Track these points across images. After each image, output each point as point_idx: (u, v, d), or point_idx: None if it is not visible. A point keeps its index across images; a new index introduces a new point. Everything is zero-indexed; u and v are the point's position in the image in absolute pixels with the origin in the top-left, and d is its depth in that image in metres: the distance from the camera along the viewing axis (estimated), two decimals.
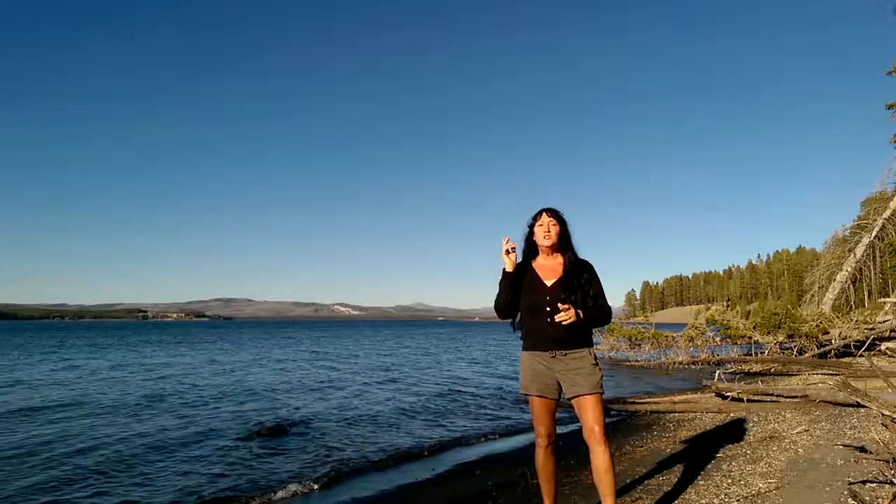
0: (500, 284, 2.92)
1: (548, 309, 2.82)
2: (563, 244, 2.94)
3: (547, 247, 2.91)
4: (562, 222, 2.94)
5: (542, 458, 2.95)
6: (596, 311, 2.86)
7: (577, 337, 2.85)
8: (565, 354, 2.82)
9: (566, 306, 2.71)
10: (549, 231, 2.89)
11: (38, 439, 6.75)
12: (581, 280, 2.86)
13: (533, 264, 2.96)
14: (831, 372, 9.51)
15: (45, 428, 7.47)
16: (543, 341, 2.84)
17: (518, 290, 2.91)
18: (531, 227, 2.98)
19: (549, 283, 2.86)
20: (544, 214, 2.94)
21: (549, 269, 2.92)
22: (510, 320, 3.00)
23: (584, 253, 3.01)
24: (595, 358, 2.88)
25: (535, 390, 2.88)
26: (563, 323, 2.71)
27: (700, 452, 4.74)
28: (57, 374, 14.86)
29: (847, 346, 12.85)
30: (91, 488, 4.89)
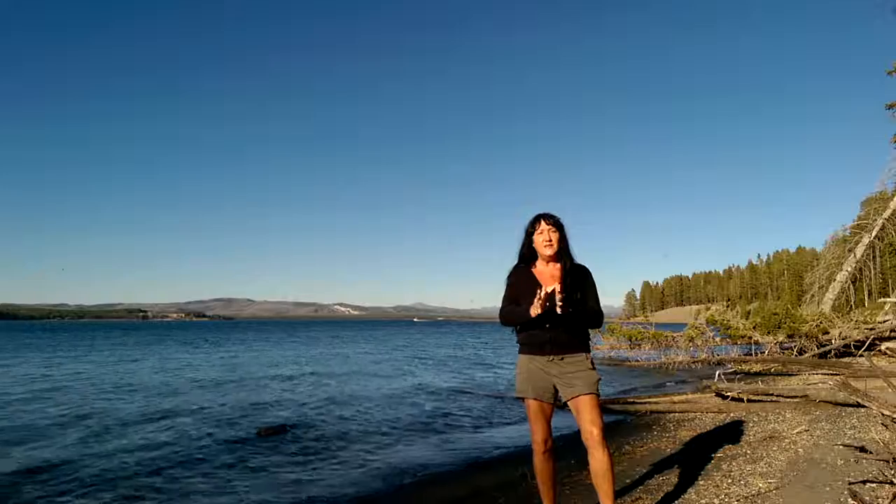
0: (515, 313, 2.88)
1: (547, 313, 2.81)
2: (562, 251, 2.93)
3: (548, 255, 2.91)
4: (560, 228, 2.92)
5: (539, 464, 2.94)
6: (590, 312, 2.87)
7: (574, 341, 2.86)
8: (562, 358, 2.83)
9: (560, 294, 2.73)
10: (550, 240, 2.88)
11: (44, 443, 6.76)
12: (578, 286, 2.86)
13: (533, 270, 2.96)
14: (831, 372, 9.50)
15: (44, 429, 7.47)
16: (541, 345, 2.84)
17: (517, 295, 2.92)
18: (529, 233, 2.96)
19: (549, 289, 2.85)
20: (543, 222, 2.91)
21: (548, 275, 2.92)
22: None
23: (584, 253, 3.01)
24: (592, 363, 2.88)
25: (531, 393, 2.88)
26: (558, 305, 2.71)
27: (700, 452, 4.74)
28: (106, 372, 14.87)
29: (847, 346, 12.84)
30: (87, 489, 4.88)
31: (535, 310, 2.70)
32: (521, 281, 2.94)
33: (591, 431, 2.74)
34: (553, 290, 2.71)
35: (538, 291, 2.71)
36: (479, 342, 35.82)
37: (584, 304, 2.84)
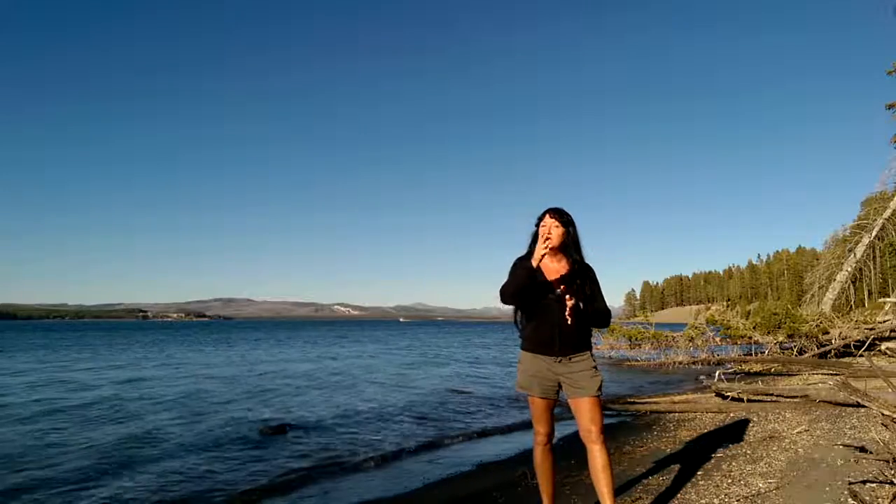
0: (516, 274, 2.79)
1: (556, 312, 2.80)
2: (568, 246, 2.88)
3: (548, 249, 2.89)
4: (566, 224, 2.88)
5: (540, 456, 2.96)
6: (598, 311, 2.87)
7: (580, 341, 2.86)
8: (570, 359, 2.83)
9: (570, 301, 2.73)
10: (550, 233, 2.84)
11: (40, 438, 6.77)
12: (584, 284, 2.84)
13: (541, 265, 2.88)
14: (831, 372, 9.50)
15: (43, 428, 7.47)
16: (549, 345, 2.83)
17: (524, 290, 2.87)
18: (537, 226, 2.93)
19: (559, 292, 2.82)
20: (547, 216, 2.89)
21: (554, 271, 2.88)
22: (515, 321, 2.99)
23: (585, 253, 2.99)
24: (594, 360, 2.90)
25: (537, 391, 2.88)
26: (568, 305, 2.71)
27: (700, 452, 4.74)
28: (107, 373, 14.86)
29: (847, 346, 12.84)
30: (89, 489, 4.88)
31: (535, 261, 2.71)
32: (527, 270, 2.84)
33: (590, 429, 2.77)
34: (566, 298, 2.72)
35: (546, 283, 2.71)
36: (480, 342, 35.83)
37: (593, 303, 2.84)
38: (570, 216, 2.91)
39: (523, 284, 2.77)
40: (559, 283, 2.80)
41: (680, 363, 15.05)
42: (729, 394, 7.25)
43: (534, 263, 2.73)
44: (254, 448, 6.29)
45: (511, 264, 2.95)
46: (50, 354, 23.17)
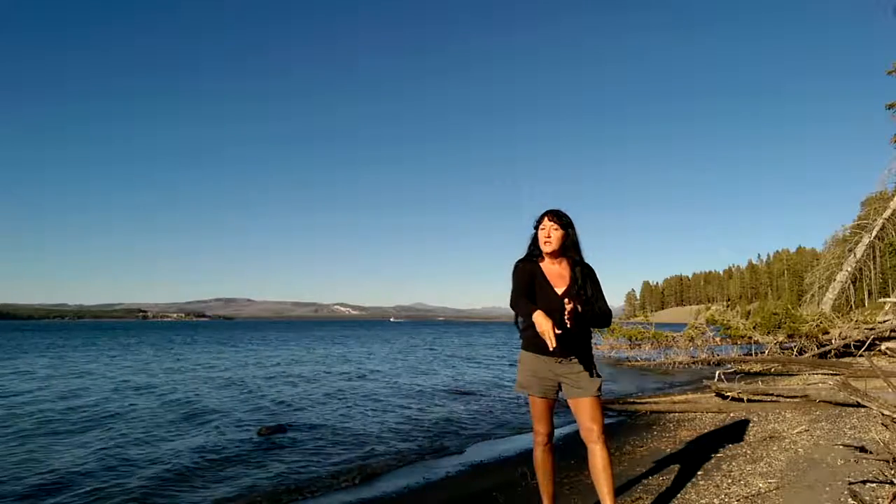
0: (526, 310, 2.71)
1: (559, 317, 2.80)
2: (568, 248, 2.89)
3: (548, 252, 2.89)
4: (565, 226, 2.88)
5: (540, 456, 2.96)
6: (599, 313, 2.87)
7: (581, 343, 2.87)
8: (571, 360, 2.84)
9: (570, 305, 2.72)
10: (549, 237, 2.86)
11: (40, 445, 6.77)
12: (588, 286, 2.86)
13: (542, 267, 2.92)
14: (831, 372, 9.50)
15: (42, 435, 7.48)
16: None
17: (526, 284, 2.87)
18: (536, 228, 2.94)
19: (559, 290, 2.84)
20: (546, 219, 2.90)
21: (557, 274, 2.89)
22: (516, 322, 2.99)
23: (585, 253, 3.00)
24: (594, 361, 2.92)
25: (537, 391, 2.88)
26: (568, 308, 2.66)
27: (700, 452, 4.74)
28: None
29: (847, 346, 12.84)
30: (91, 491, 4.89)
31: (551, 343, 2.52)
32: (529, 273, 2.87)
33: (591, 428, 2.78)
34: (566, 301, 2.71)
35: (553, 299, 2.68)
36: (482, 342, 35.83)
37: (594, 305, 2.85)
38: (568, 218, 2.92)
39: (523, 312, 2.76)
40: (564, 294, 2.81)
41: (680, 363, 15.03)
42: (729, 394, 7.25)
43: (550, 345, 2.53)
44: (253, 449, 6.28)
45: (512, 267, 2.97)
46: (65, 355, 23.12)
